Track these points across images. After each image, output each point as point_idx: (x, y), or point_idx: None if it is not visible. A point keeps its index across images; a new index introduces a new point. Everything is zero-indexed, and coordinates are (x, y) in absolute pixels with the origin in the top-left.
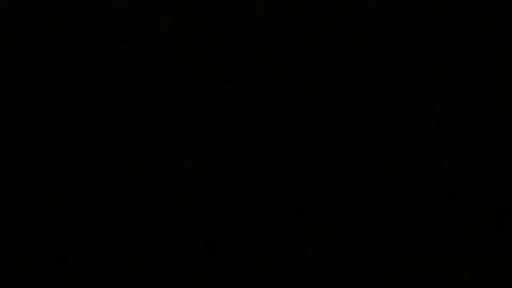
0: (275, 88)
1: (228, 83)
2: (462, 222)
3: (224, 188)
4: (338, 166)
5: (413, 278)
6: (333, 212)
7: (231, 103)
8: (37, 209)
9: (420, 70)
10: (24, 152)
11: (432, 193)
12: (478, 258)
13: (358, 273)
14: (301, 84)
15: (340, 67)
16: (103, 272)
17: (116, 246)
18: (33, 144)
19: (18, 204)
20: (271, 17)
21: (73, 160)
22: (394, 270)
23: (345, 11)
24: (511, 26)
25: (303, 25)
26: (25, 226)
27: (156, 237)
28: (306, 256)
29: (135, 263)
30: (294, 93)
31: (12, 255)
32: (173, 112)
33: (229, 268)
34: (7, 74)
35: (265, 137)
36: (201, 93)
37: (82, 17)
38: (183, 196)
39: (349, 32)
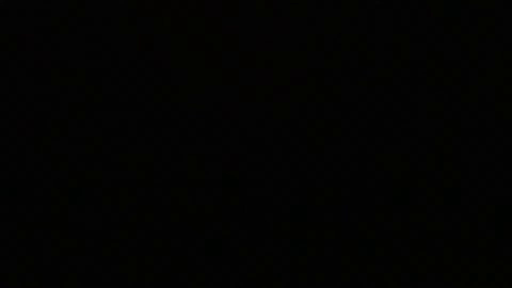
0: (275, 88)
1: (228, 83)
2: (462, 222)
3: (224, 188)
4: (338, 166)
5: (413, 278)
6: (333, 212)
7: (231, 103)
8: (37, 209)
9: (420, 70)
10: (24, 152)
11: (432, 193)
12: (478, 258)
13: (358, 273)
14: (301, 84)
15: (340, 67)
16: (103, 272)
17: (116, 246)
18: (33, 144)
19: (18, 204)
20: (271, 17)
21: (73, 160)
22: (394, 270)
23: (345, 11)
24: (511, 26)
25: (303, 25)
26: (25, 226)
27: (156, 237)
28: (306, 256)
29: (135, 263)
30: (294, 93)
31: (12, 255)
32: (173, 112)
33: (229, 268)
34: (7, 74)
35: (265, 137)
36: (201, 93)
37: (82, 17)
38: (183, 196)
39: (349, 32)
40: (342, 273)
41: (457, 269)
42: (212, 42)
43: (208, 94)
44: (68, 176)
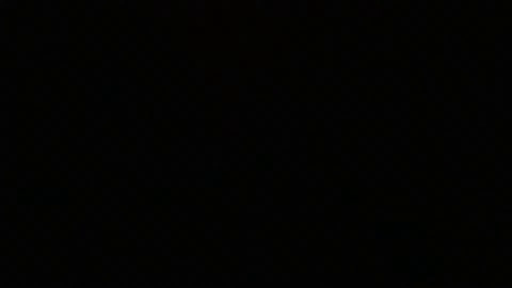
0: (275, 88)
1: (228, 83)
2: (462, 222)
3: (224, 188)
4: (338, 166)
5: (413, 278)
6: (334, 212)
7: (231, 103)
8: (37, 209)
9: (420, 70)
10: (24, 152)
11: (432, 193)
12: (478, 258)
13: (358, 273)
14: (301, 84)
15: (340, 67)
16: (103, 272)
17: (117, 246)
18: (34, 144)
19: (18, 204)
20: (271, 17)
21: (73, 160)
22: (394, 270)
23: (345, 11)
24: (511, 26)
25: (304, 25)
26: (25, 226)
27: (156, 237)
28: (306, 256)
29: (135, 263)
30: (294, 93)
31: (12, 255)
32: (173, 112)
33: (229, 268)
34: (7, 74)
35: (265, 136)
36: (201, 92)
37: (82, 17)
38: (183, 196)
39: (349, 32)
40: (342, 273)
41: (457, 269)
42: (212, 41)
43: (208, 94)
44: (68, 176)
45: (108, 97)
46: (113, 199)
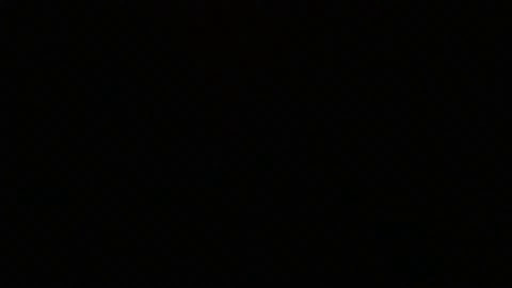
0: (275, 88)
1: (228, 83)
2: (462, 222)
3: (224, 188)
4: (338, 166)
5: (413, 278)
6: (334, 212)
7: (231, 103)
8: (37, 209)
9: (420, 70)
10: (24, 152)
11: (432, 193)
12: (478, 258)
13: (358, 273)
14: (301, 84)
15: (340, 67)
16: (103, 272)
17: (117, 246)
18: (34, 144)
19: (18, 204)
20: (271, 17)
21: (73, 160)
22: (394, 270)
23: (345, 11)
24: (511, 27)
25: (304, 25)
26: (25, 226)
27: (156, 237)
28: (306, 256)
29: (135, 263)
30: (294, 93)
31: (12, 255)
32: (173, 112)
33: (229, 268)
34: (7, 74)
35: (265, 136)
36: (201, 92)
37: (82, 17)
38: (183, 196)
39: (349, 32)
40: (342, 273)
41: (457, 269)
42: (212, 41)
43: (208, 94)
44: (68, 176)
45: (108, 97)
46: (113, 199)
